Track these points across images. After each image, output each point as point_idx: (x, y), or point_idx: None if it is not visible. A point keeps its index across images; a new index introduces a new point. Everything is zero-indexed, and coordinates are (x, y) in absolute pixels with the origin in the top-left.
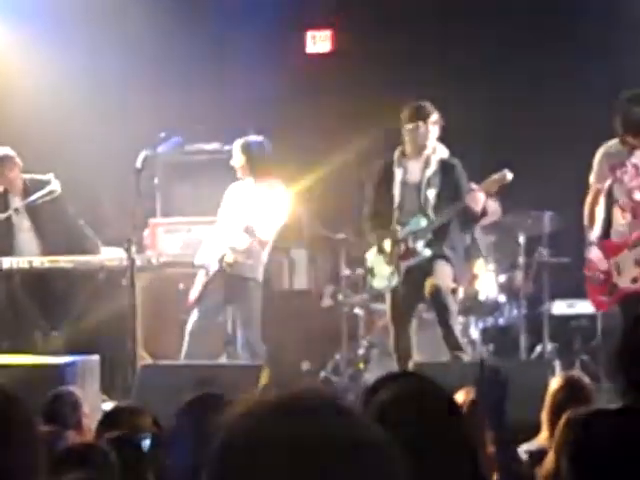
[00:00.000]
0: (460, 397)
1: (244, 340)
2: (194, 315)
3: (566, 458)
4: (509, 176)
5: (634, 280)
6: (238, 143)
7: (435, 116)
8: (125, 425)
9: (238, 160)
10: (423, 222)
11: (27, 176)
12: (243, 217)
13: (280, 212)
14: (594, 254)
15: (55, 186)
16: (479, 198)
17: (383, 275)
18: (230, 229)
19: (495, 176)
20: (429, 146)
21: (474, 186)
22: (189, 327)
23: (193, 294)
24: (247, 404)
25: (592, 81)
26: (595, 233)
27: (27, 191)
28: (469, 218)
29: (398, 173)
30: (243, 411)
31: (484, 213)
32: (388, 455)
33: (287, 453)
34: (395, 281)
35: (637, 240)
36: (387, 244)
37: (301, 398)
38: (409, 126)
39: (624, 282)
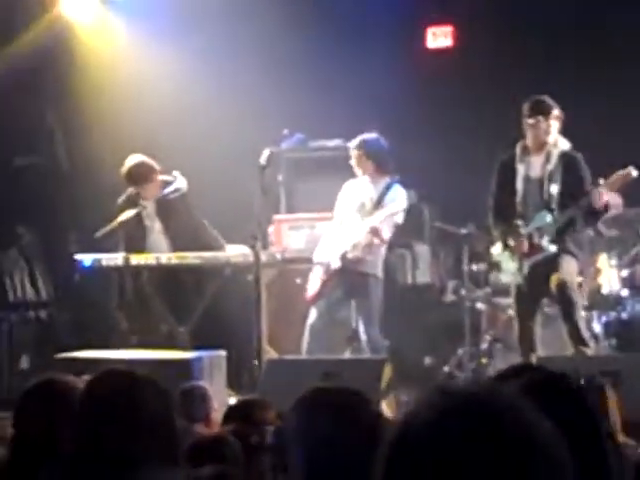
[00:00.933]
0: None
1: (366, 335)
2: (314, 311)
3: None
4: (634, 173)
5: None
6: (355, 140)
7: (556, 111)
8: (249, 419)
9: (354, 157)
10: (548, 218)
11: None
12: (362, 214)
13: (399, 210)
14: None
15: (181, 183)
16: (602, 195)
17: (510, 270)
18: (349, 226)
19: (620, 172)
20: (550, 141)
21: (601, 181)
22: (309, 323)
23: (311, 290)
24: (418, 402)
25: None
26: None
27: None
28: (593, 214)
29: (520, 168)
30: (419, 408)
31: (607, 208)
32: (562, 450)
33: (482, 448)
34: (521, 276)
35: None
36: (511, 240)
37: (476, 395)
38: (530, 121)
39: None
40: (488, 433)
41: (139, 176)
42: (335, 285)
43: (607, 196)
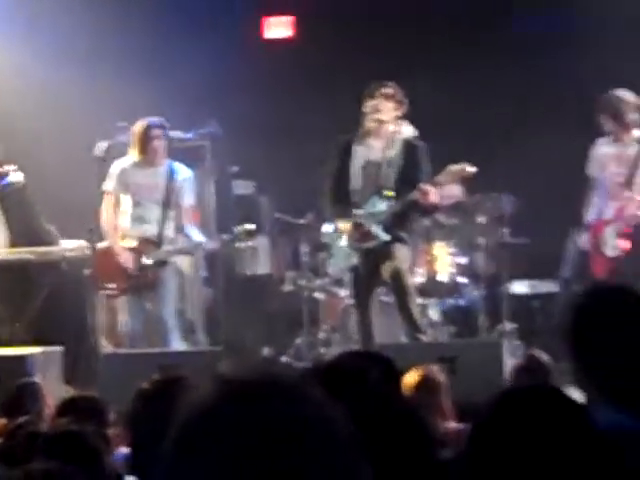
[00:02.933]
0: (411, 377)
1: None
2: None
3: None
4: (470, 169)
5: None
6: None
7: (395, 94)
8: (83, 414)
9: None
10: (381, 204)
11: None
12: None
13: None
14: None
15: (16, 177)
16: (429, 193)
17: (340, 256)
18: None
19: (453, 168)
20: (390, 124)
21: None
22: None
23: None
24: (203, 388)
25: (558, 66)
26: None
27: None
28: (422, 210)
29: (359, 151)
30: (200, 396)
31: (433, 208)
32: (341, 437)
33: (238, 436)
34: (353, 262)
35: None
36: (344, 223)
37: (254, 381)
38: (369, 103)
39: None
40: (258, 418)
41: None
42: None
43: (434, 195)
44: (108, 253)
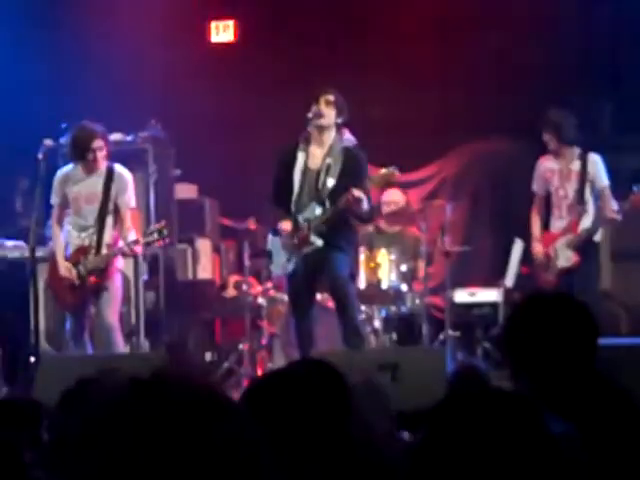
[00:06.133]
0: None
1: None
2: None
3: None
4: (397, 173)
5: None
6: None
7: (337, 100)
8: (15, 418)
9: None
10: (317, 210)
11: None
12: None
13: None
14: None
15: None
16: (360, 197)
17: (279, 261)
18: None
19: (382, 172)
20: (331, 131)
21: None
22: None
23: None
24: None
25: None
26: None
27: None
28: (355, 216)
29: (300, 157)
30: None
31: (360, 213)
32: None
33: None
34: (291, 268)
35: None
36: (284, 230)
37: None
38: (312, 109)
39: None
40: (147, 420)
41: None
42: None
43: (358, 199)
44: (54, 267)
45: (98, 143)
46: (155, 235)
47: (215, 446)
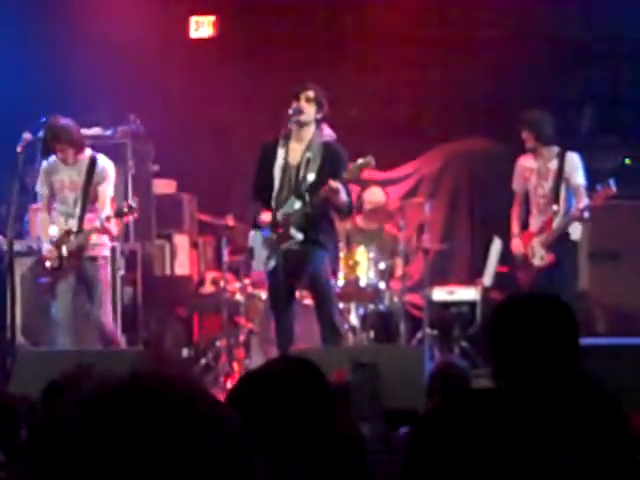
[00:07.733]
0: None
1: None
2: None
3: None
4: (373, 162)
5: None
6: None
7: (317, 96)
8: None
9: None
10: (297, 205)
11: None
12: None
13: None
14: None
15: None
16: (338, 187)
17: (261, 257)
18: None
19: (358, 161)
20: (311, 127)
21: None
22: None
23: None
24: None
25: None
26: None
27: None
28: (334, 208)
29: (280, 153)
30: (87, 394)
31: (341, 206)
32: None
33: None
34: (272, 264)
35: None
36: (264, 225)
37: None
38: (292, 105)
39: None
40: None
41: None
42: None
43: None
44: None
45: (60, 146)
46: (125, 209)
47: (205, 450)
